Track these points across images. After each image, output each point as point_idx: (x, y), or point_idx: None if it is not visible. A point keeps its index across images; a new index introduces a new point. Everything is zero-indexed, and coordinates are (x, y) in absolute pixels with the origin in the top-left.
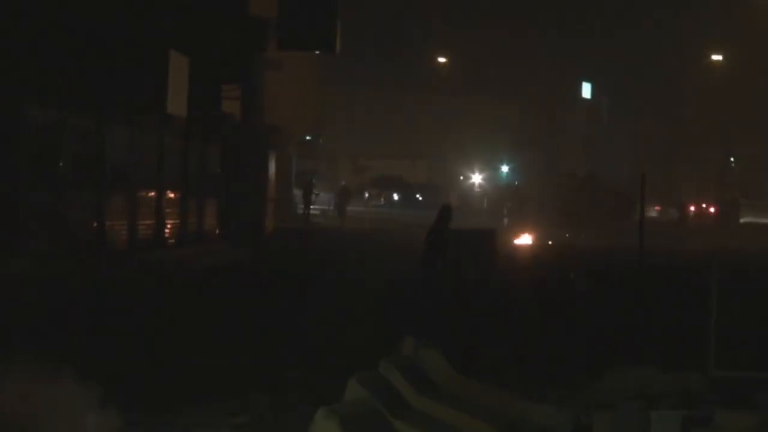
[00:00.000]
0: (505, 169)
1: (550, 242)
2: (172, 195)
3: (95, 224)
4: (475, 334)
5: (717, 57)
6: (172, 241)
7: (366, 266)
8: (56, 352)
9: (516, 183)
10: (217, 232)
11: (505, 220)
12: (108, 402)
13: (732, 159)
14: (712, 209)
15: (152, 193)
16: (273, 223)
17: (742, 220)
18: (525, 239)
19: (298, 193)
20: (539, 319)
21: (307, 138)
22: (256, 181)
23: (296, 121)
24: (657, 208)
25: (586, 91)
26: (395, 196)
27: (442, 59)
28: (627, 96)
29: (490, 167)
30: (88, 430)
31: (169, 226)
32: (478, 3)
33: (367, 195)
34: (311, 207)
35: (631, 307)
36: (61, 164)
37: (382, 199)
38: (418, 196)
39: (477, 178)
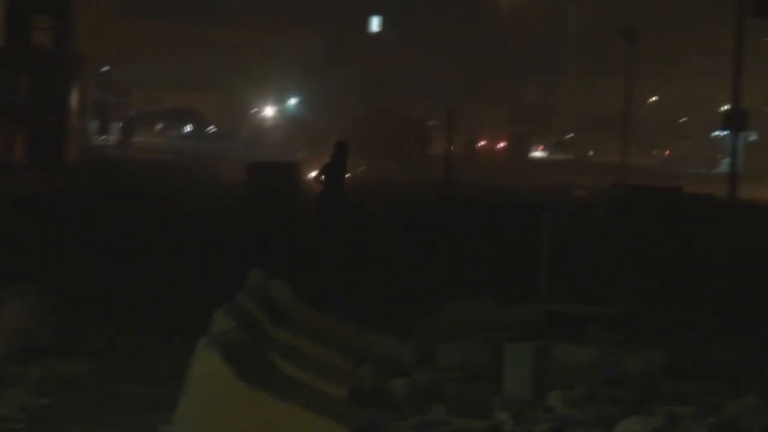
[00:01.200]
0: (292, 101)
1: (347, 174)
2: None
3: None
4: (306, 267)
5: None
6: None
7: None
8: None
9: (309, 116)
10: (27, 162)
11: (301, 153)
12: None
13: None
14: (501, 144)
15: None
16: (76, 153)
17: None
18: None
19: (94, 123)
20: (361, 253)
21: (105, 69)
22: (60, 111)
23: (94, 53)
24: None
25: (376, 24)
26: (187, 128)
27: None
28: (418, 32)
29: (282, 100)
30: None
31: None
32: None
33: (159, 126)
34: (107, 137)
35: (453, 239)
36: None
37: (174, 131)
38: (210, 128)
39: (269, 111)
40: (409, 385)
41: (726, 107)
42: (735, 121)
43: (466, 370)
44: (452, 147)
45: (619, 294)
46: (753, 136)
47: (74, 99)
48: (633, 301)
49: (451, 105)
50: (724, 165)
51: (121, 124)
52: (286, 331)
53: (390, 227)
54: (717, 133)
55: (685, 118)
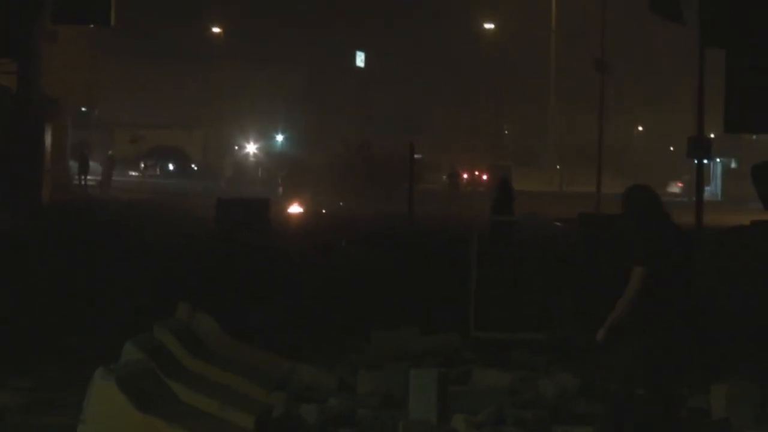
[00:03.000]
0: (279, 138)
1: (323, 211)
2: None
3: None
4: (249, 300)
5: (489, 25)
6: None
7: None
8: None
9: (291, 153)
10: None
11: (280, 190)
12: None
13: (505, 128)
14: (485, 176)
15: None
16: (48, 193)
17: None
18: (296, 208)
19: (74, 164)
20: (310, 284)
21: (83, 109)
22: (32, 152)
23: (71, 93)
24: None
25: (360, 59)
26: (170, 167)
27: (216, 29)
28: (401, 64)
29: (266, 137)
30: None
31: None
32: None
33: (142, 165)
34: (86, 178)
35: (399, 270)
36: None
37: (157, 170)
38: (193, 166)
39: (252, 148)
40: (319, 411)
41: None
42: (697, 150)
43: (383, 396)
44: (413, 182)
45: (557, 320)
46: (733, 164)
47: (47, 140)
48: (568, 326)
49: (431, 137)
50: (708, 192)
51: (101, 165)
52: (202, 361)
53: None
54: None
55: (672, 148)
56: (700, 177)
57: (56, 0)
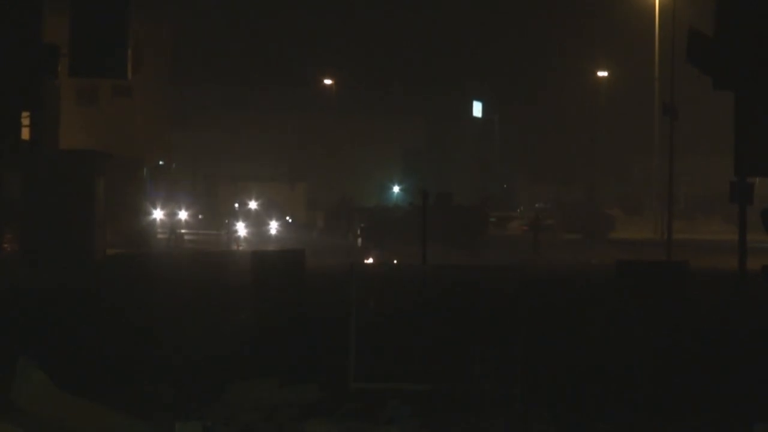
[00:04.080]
0: (396, 189)
1: (395, 261)
2: None
3: None
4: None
5: (602, 73)
6: None
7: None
8: None
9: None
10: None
11: (359, 241)
12: None
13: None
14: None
15: None
16: (104, 247)
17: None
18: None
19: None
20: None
21: (160, 163)
22: (75, 206)
23: (146, 148)
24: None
25: (477, 110)
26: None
27: (328, 81)
28: (516, 114)
29: (380, 188)
30: None
31: None
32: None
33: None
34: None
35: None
36: None
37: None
38: (288, 218)
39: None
40: None
41: None
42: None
43: None
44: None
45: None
46: None
47: (100, 193)
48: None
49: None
50: None
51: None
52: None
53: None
54: None
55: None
56: (743, 219)
57: (73, 54)
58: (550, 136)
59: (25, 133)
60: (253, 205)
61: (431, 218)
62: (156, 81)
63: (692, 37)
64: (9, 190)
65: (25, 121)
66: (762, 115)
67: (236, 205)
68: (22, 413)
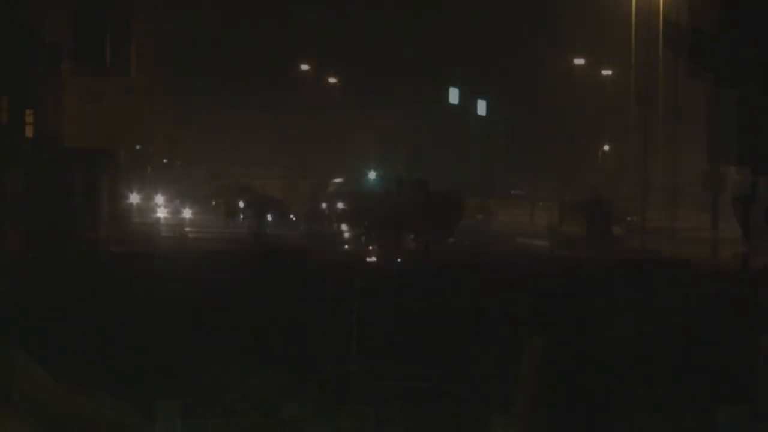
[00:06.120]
0: (372, 175)
1: (398, 260)
2: None
3: None
4: None
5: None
6: None
7: None
8: None
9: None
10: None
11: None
12: None
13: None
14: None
15: None
16: (110, 243)
17: None
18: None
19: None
20: None
21: (164, 161)
22: (83, 202)
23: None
24: None
25: (454, 96)
26: (269, 217)
27: (305, 66)
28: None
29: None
30: None
31: None
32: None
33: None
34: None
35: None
36: None
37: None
38: (291, 216)
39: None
40: None
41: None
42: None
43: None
44: None
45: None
46: None
47: (104, 190)
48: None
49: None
50: None
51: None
52: None
53: None
54: None
55: None
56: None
57: (79, 49)
58: (534, 125)
59: (29, 131)
60: (247, 203)
61: (407, 205)
62: (160, 78)
63: (695, 36)
64: (12, 187)
65: (29, 119)
66: (763, 113)
67: (240, 203)
68: (21, 405)
